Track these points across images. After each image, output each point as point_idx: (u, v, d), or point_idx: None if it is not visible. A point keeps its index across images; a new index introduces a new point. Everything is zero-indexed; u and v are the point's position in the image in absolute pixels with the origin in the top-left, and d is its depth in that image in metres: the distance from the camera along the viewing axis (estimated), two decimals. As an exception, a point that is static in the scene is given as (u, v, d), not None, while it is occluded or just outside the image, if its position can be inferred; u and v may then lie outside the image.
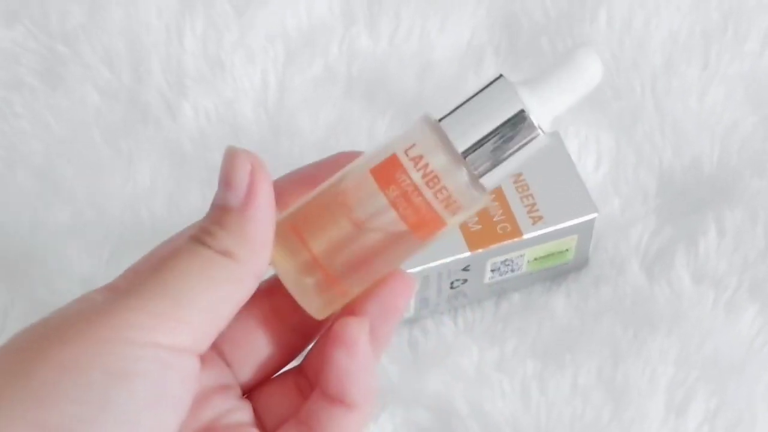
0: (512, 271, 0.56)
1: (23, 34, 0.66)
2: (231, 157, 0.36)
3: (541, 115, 0.36)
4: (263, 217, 0.36)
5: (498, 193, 0.56)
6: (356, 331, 0.36)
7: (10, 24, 0.67)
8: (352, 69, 0.65)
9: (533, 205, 0.56)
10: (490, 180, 0.37)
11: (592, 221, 0.56)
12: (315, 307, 0.38)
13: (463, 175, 0.36)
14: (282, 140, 0.63)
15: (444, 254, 0.54)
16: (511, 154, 0.36)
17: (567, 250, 0.57)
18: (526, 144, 0.36)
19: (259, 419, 0.39)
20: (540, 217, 0.55)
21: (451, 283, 0.56)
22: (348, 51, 0.66)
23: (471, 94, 0.37)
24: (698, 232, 0.59)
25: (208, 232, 0.36)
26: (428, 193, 0.36)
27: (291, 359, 0.40)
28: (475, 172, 0.36)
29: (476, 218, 0.55)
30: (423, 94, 0.65)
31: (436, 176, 0.36)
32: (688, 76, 0.64)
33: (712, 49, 0.65)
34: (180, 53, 0.65)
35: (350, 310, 0.38)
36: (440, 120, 0.36)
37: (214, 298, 0.35)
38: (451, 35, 0.66)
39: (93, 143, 0.63)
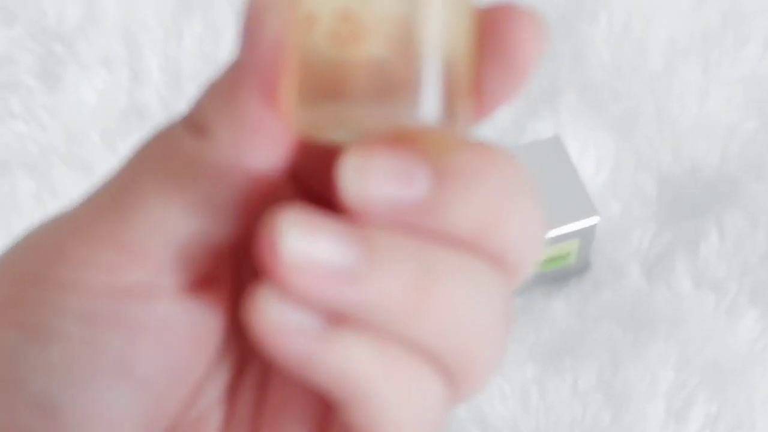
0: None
1: (21, 34, 0.66)
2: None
3: None
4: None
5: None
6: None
7: (9, 24, 0.66)
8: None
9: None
10: None
11: (593, 225, 0.56)
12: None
13: None
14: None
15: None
16: None
17: (568, 254, 0.56)
18: None
19: None
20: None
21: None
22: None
23: None
24: (699, 236, 0.58)
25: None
26: None
27: None
28: None
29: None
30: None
31: None
32: (688, 79, 0.64)
33: (713, 52, 0.65)
34: (178, 53, 0.65)
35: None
36: None
37: (170, 205, 0.22)
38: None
39: (90, 144, 0.62)
